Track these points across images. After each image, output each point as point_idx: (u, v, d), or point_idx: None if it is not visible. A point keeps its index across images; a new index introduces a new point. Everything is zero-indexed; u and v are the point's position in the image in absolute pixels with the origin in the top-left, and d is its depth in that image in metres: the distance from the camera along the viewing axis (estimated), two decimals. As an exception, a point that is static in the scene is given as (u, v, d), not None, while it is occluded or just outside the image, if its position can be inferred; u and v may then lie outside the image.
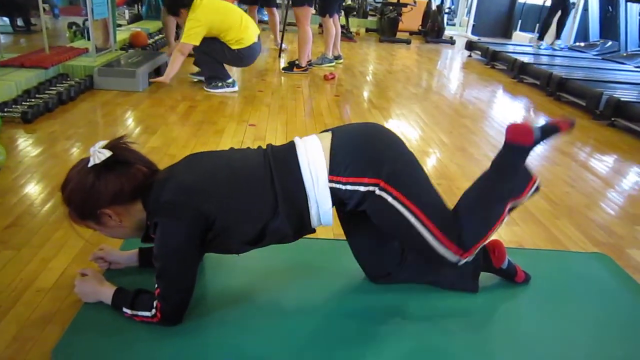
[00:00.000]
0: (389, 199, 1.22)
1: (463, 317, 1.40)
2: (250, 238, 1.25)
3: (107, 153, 1.17)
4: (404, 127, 3.25)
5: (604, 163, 2.90)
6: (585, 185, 2.48)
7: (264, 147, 1.35)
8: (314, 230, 1.33)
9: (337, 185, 1.23)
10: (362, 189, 1.22)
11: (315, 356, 1.23)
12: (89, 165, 1.17)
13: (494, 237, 1.39)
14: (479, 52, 6.31)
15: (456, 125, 3.40)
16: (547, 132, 1.35)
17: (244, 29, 3.53)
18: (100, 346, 1.21)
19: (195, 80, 3.86)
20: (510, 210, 1.37)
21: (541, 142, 1.35)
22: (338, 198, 1.25)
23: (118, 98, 3.37)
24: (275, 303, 1.41)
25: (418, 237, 1.26)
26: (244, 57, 3.65)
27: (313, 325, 1.34)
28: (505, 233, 1.90)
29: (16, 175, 2.11)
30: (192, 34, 3.42)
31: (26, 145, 2.46)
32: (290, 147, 1.29)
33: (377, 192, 1.22)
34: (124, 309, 1.26)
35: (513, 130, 1.34)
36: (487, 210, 1.32)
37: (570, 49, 6.59)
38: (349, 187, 1.22)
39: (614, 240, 1.93)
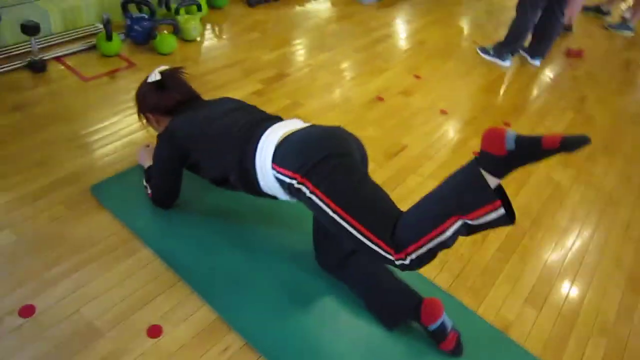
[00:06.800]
0: (307, 192, 1.33)
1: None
2: (214, 179, 1.61)
3: (158, 77, 1.67)
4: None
5: None
6: None
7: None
8: (275, 197, 1.52)
9: (275, 174, 1.39)
10: (286, 180, 1.36)
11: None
12: (148, 80, 1.69)
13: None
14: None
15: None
16: (525, 145, 1.09)
17: None
18: (123, 194, 1.82)
19: (484, 56, 3.50)
20: (466, 231, 1.20)
21: (519, 159, 1.10)
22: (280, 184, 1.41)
23: (344, 6, 3.83)
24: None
25: (344, 231, 1.30)
26: None
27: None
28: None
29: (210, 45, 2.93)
30: None
31: (233, 25, 3.20)
32: (263, 128, 1.47)
33: (296, 185, 1.34)
34: (144, 180, 1.79)
35: (486, 136, 1.14)
36: (427, 217, 1.22)
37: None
38: (279, 176, 1.38)
39: None
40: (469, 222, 1.17)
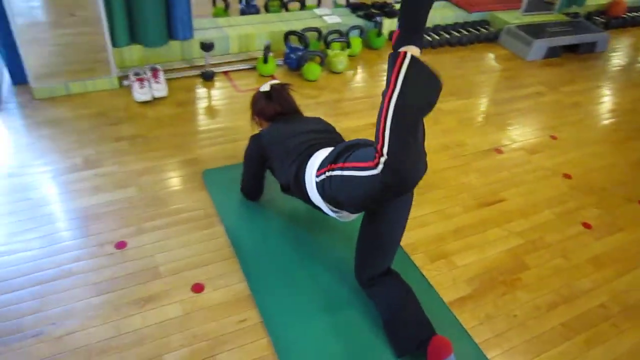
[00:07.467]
0: (331, 173, 1.52)
1: None
2: (281, 184, 1.86)
3: (267, 88, 2.00)
4: None
5: None
6: None
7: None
8: (321, 210, 1.70)
9: (316, 179, 1.60)
10: (322, 177, 1.57)
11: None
12: (260, 89, 2.03)
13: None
14: None
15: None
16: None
17: None
18: (223, 181, 2.21)
19: None
20: (403, 103, 1.31)
21: (407, 18, 1.40)
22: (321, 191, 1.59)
23: (502, 60, 3.87)
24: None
25: (354, 179, 1.44)
26: None
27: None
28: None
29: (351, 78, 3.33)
30: None
31: (380, 64, 3.53)
32: (321, 149, 1.69)
33: (327, 174, 1.54)
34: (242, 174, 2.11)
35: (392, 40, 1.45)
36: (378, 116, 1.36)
37: None
38: (318, 179, 1.58)
39: None
40: (395, 81, 1.31)
